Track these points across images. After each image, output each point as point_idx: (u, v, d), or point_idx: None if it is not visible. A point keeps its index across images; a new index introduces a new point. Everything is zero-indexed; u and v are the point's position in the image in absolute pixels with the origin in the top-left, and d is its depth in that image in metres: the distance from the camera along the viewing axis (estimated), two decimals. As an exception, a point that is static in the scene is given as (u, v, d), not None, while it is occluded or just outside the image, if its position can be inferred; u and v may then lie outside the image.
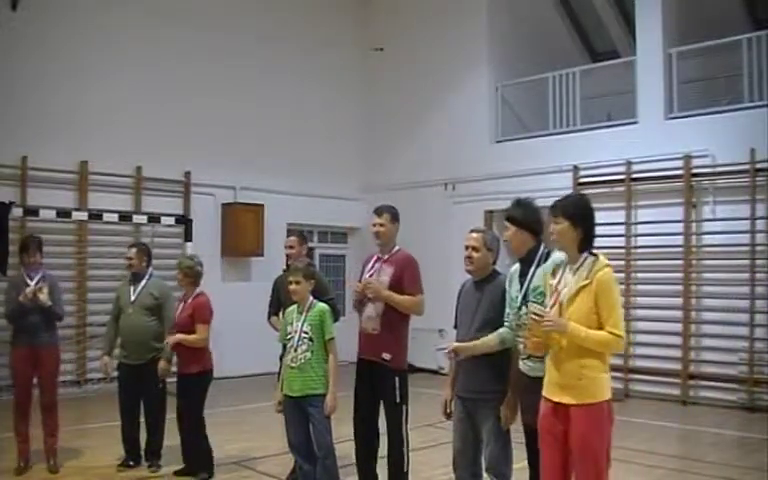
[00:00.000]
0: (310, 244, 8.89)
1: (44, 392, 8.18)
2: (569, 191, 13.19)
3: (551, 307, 4.77)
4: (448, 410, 6.02)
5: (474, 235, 5.83)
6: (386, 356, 6.67)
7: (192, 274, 7.98)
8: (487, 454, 5.64)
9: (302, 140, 16.71)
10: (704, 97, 13.43)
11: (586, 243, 4.79)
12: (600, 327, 4.61)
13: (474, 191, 15.57)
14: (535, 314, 4.74)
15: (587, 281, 4.66)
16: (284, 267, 8.31)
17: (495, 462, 5.59)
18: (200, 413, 7.92)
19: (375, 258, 6.96)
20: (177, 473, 8.03)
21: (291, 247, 7.93)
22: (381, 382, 6.72)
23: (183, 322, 7.85)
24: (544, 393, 4.85)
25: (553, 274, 4.92)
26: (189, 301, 7.95)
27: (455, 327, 5.99)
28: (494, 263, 5.88)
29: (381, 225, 6.88)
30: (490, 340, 5.48)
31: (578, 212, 4.81)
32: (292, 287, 6.65)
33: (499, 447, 5.58)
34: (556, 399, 4.73)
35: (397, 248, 6.93)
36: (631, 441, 9.31)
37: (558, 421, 4.73)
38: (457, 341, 5.85)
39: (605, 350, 4.71)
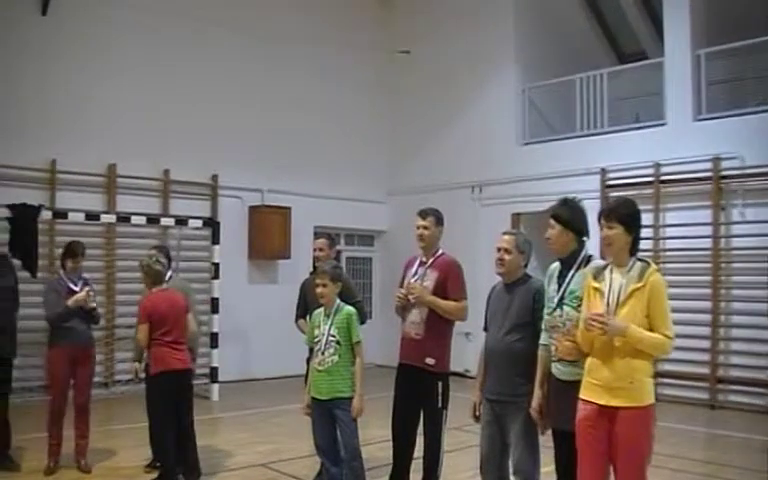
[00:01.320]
0: (337, 247, 8.95)
1: (80, 393, 8.26)
2: (597, 193, 13.26)
3: (606, 311, 4.76)
4: (477, 413, 6.03)
5: (506, 237, 5.87)
6: (430, 361, 6.63)
7: (149, 273, 7.69)
8: (515, 457, 5.64)
9: (328, 143, 16.76)
10: (733, 98, 13.29)
11: (635, 247, 4.86)
12: (650, 330, 4.66)
13: (501, 194, 15.52)
14: (594, 320, 4.70)
15: (640, 284, 4.70)
16: (311, 270, 8.31)
17: (523, 465, 5.59)
18: (157, 414, 7.67)
19: (418, 262, 6.91)
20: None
21: (320, 250, 7.87)
22: (424, 387, 6.68)
23: None
24: (586, 395, 4.84)
25: (595, 278, 4.92)
26: None
27: (485, 329, 6.00)
28: (525, 266, 5.90)
29: (425, 227, 6.84)
30: (543, 360, 5.45)
31: (631, 217, 4.87)
32: (319, 290, 6.65)
33: (527, 450, 5.59)
34: (602, 402, 4.73)
35: (440, 252, 6.87)
36: (658, 445, 9.12)
37: (602, 423, 4.73)
38: (487, 342, 5.89)
39: (658, 352, 4.79)
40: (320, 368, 6.57)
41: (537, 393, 5.42)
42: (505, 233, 5.96)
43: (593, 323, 4.71)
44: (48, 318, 8.21)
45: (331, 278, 6.65)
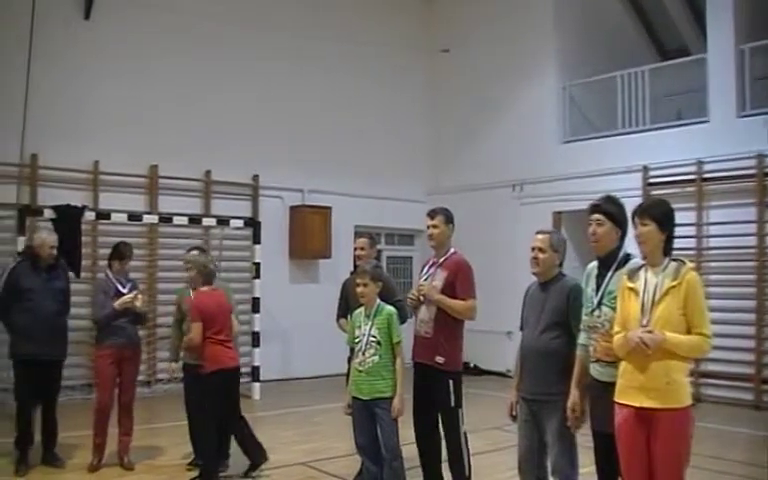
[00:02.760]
0: (377, 246, 8.98)
1: (125, 391, 8.39)
2: (639, 192, 13.13)
3: (643, 315, 4.75)
4: (513, 412, 6.03)
5: (540, 236, 5.86)
6: (439, 359, 6.69)
7: (203, 272, 7.81)
8: (552, 458, 5.63)
9: (369, 143, 16.80)
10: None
11: (669, 246, 4.85)
12: (687, 329, 4.64)
13: (542, 192, 15.43)
14: (635, 343, 4.66)
15: (676, 282, 4.69)
16: (352, 269, 8.34)
17: (560, 465, 5.58)
18: (203, 411, 7.78)
19: (431, 262, 6.98)
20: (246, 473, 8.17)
21: (362, 249, 7.91)
22: (435, 385, 6.73)
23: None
24: (622, 398, 4.82)
25: (630, 278, 4.90)
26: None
27: (521, 329, 5.99)
28: (560, 265, 5.89)
29: (435, 226, 6.91)
30: (582, 360, 5.42)
31: (664, 216, 4.86)
32: (359, 289, 6.67)
33: (564, 450, 5.57)
34: (637, 403, 4.71)
35: (452, 251, 6.93)
36: (701, 446, 9.09)
37: (640, 426, 4.71)
38: (522, 342, 5.90)
39: (696, 354, 4.79)
40: (361, 368, 6.60)
41: (573, 392, 5.40)
42: (539, 232, 5.94)
43: (635, 345, 4.67)
44: (96, 319, 8.35)
45: (372, 278, 6.67)
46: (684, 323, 4.64)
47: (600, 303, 5.21)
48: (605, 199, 5.44)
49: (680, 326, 4.64)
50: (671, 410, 4.62)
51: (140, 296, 8.33)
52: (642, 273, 4.86)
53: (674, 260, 4.80)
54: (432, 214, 6.96)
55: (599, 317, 5.19)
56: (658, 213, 4.85)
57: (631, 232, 5.02)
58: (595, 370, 5.23)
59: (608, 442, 5.01)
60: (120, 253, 8.54)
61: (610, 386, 4.96)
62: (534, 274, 5.92)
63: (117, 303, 8.14)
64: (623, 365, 4.83)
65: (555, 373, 5.57)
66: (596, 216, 5.34)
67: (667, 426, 4.62)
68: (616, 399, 4.85)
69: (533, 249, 5.83)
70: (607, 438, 5.02)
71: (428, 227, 6.94)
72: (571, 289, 5.64)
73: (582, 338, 5.41)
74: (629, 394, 4.76)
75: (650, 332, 4.64)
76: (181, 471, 8.29)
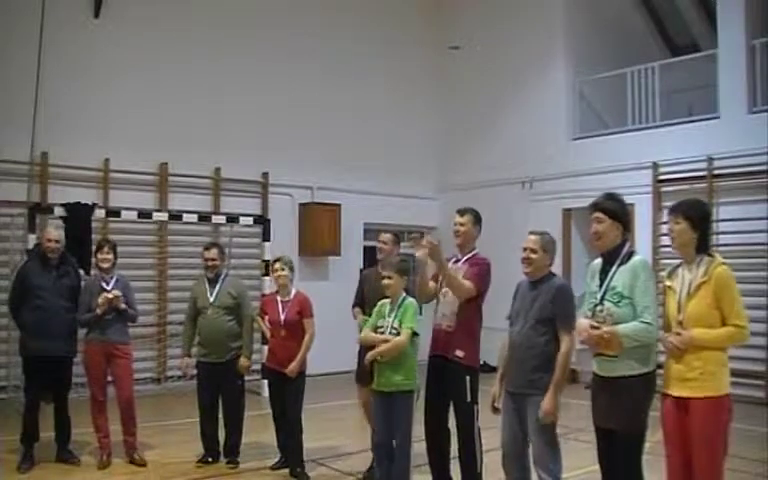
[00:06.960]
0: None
1: (119, 390, 8.42)
2: (649, 188, 13.09)
3: (679, 312, 4.94)
4: (496, 404, 6.11)
5: (532, 237, 6.00)
6: (459, 353, 6.69)
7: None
8: (534, 450, 5.73)
9: (378, 140, 16.78)
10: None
11: (703, 244, 5.00)
12: (723, 321, 4.80)
13: (552, 189, 15.40)
14: (675, 346, 4.88)
15: (705, 278, 4.86)
16: (362, 266, 8.36)
17: (542, 457, 5.68)
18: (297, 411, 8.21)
19: (453, 259, 6.97)
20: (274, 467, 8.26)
21: (384, 243, 8.05)
22: (452, 380, 6.73)
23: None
24: (665, 389, 5.00)
25: (669, 277, 5.09)
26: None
27: (510, 325, 6.06)
28: (550, 265, 6.00)
29: (462, 224, 6.93)
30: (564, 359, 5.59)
31: (697, 214, 5.02)
32: (385, 282, 6.81)
33: (544, 441, 5.67)
34: (676, 393, 4.89)
35: (475, 251, 6.93)
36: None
37: (679, 415, 4.88)
38: (510, 336, 5.97)
39: (730, 344, 4.91)
40: (381, 359, 6.63)
41: (552, 397, 5.56)
42: (531, 233, 6.06)
43: (670, 350, 4.90)
44: (79, 319, 8.37)
45: (397, 271, 6.83)
46: (717, 317, 4.81)
47: (603, 298, 5.24)
48: (604, 196, 5.51)
49: (713, 320, 4.81)
50: (705, 399, 4.77)
51: (120, 296, 8.23)
52: (679, 270, 5.04)
53: (708, 255, 4.95)
54: (462, 212, 7.01)
55: (601, 312, 5.22)
56: (691, 212, 5.01)
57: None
58: (597, 365, 5.30)
59: (608, 437, 5.14)
60: (97, 246, 8.65)
61: (611, 381, 5.10)
62: (526, 274, 6.01)
63: (99, 308, 8.14)
64: (666, 359, 4.99)
65: (539, 368, 5.68)
66: (596, 214, 5.40)
67: (700, 412, 4.77)
68: (663, 390, 5.03)
69: (525, 249, 5.94)
70: (607, 433, 5.15)
71: (455, 224, 6.97)
72: (558, 289, 5.80)
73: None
74: (669, 385, 4.95)
75: (679, 334, 4.82)
76: (192, 469, 8.30)
